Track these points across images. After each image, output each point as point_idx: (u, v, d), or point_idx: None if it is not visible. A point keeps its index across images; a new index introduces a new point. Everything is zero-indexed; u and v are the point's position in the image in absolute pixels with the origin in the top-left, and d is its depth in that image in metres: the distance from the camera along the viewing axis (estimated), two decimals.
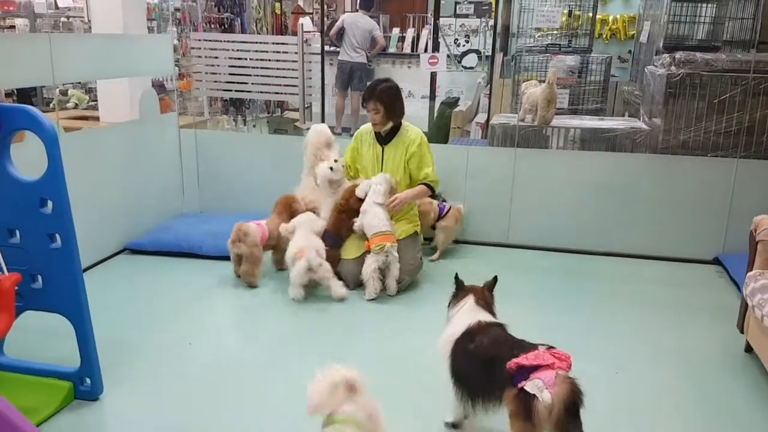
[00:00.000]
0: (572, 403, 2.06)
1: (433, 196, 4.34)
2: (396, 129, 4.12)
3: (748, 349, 3.21)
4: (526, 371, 2.13)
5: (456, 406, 2.51)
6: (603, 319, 3.65)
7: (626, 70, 8.49)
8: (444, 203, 4.57)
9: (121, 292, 3.89)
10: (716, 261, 4.52)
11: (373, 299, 3.79)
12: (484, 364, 2.32)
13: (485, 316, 2.48)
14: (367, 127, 4.23)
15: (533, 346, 2.23)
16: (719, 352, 3.28)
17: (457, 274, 2.65)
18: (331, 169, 4.06)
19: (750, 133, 4.40)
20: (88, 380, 2.69)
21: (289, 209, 4.19)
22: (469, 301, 2.54)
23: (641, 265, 4.53)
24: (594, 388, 2.90)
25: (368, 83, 8.04)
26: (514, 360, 2.17)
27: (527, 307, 3.74)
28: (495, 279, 2.65)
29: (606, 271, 4.41)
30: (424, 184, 4.11)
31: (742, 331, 3.24)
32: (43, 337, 3.06)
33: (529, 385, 2.10)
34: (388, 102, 4.00)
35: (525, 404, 2.09)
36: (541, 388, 2.07)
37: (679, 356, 3.23)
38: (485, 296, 2.59)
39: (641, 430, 2.63)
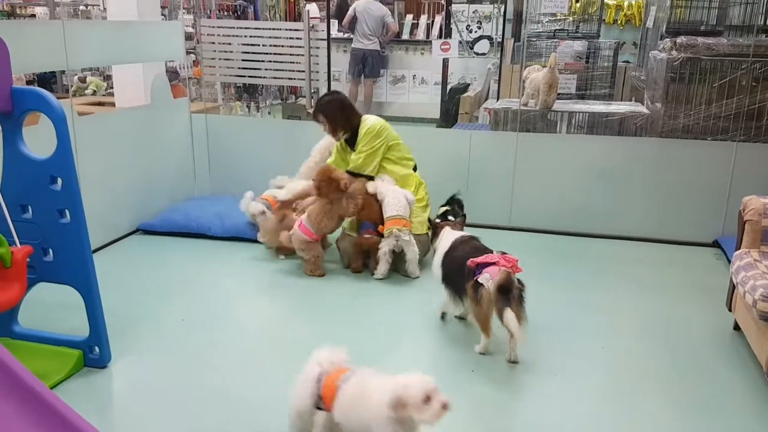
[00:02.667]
0: (504, 287, 2.80)
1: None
2: (357, 129, 4.20)
3: (736, 327, 3.29)
4: (481, 267, 2.89)
5: (445, 302, 3.30)
6: (598, 298, 3.74)
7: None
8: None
9: (131, 269, 4.05)
10: (716, 244, 4.58)
11: (380, 279, 3.93)
12: (459, 267, 3.07)
13: (462, 233, 3.39)
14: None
15: (490, 251, 3.05)
16: (708, 331, 3.35)
17: (429, 219, 3.89)
18: None
19: (750, 117, 4.44)
20: (96, 349, 2.85)
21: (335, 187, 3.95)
22: (447, 228, 3.46)
23: (640, 248, 4.60)
24: (580, 361, 3.03)
25: (380, 69, 8.12)
26: (471, 259, 2.95)
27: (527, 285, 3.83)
28: (464, 216, 3.78)
29: (605, 253, 4.49)
30: (348, 171, 4.16)
31: (730, 310, 3.32)
32: (54, 308, 3.22)
33: (481, 278, 2.86)
34: (330, 114, 4.14)
35: (477, 291, 2.89)
36: (488, 279, 2.83)
37: (668, 334, 3.32)
38: (457, 226, 3.53)
39: (624, 403, 2.72)
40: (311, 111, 6.18)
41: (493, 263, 2.89)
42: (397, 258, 3.95)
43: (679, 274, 4.14)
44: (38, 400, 1.99)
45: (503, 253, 2.98)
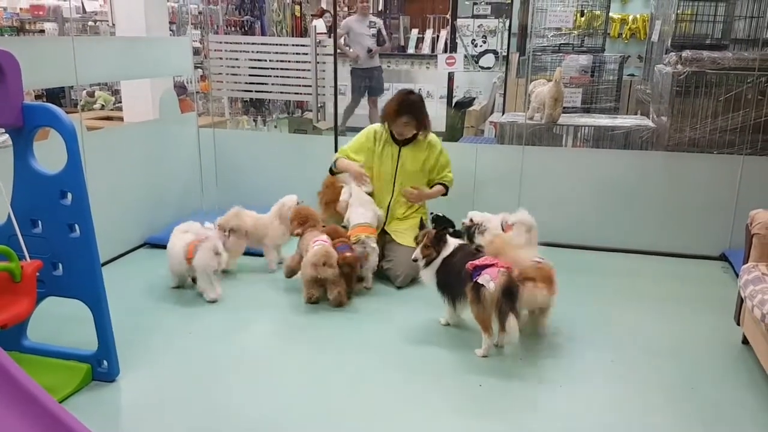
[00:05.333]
0: (507, 288, 2.95)
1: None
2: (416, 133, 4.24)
3: (745, 341, 3.27)
4: (480, 269, 3.01)
5: (448, 311, 3.38)
6: (604, 312, 3.73)
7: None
8: None
9: (139, 282, 4.06)
10: (723, 257, 4.57)
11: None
12: (457, 271, 3.18)
13: (459, 242, 3.48)
14: (378, 126, 4.35)
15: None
16: (716, 345, 3.34)
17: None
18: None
19: (756, 130, 4.44)
20: (105, 362, 2.86)
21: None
22: (447, 236, 3.46)
23: (647, 261, 4.59)
24: (588, 375, 3.02)
25: (387, 89, 7.88)
26: (471, 262, 3.08)
27: None
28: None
29: (611, 267, 4.48)
30: (441, 183, 4.29)
31: (738, 323, 3.30)
32: (63, 322, 3.23)
33: (481, 279, 2.98)
34: (417, 113, 4.13)
35: (478, 292, 3.00)
36: (488, 281, 2.95)
37: (675, 347, 3.31)
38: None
39: (632, 417, 2.71)
40: (317, 123, 6.25)
41: (492, 265, 3.03)
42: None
43: (686, 287, 4.13)
44: (47, 414, 2.00)
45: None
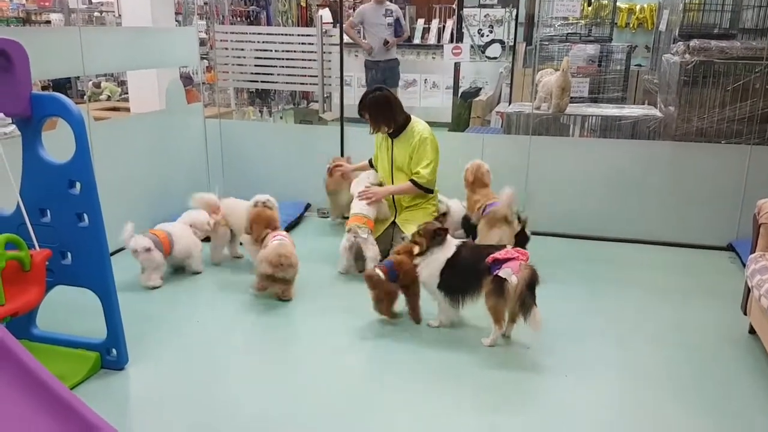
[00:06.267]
0: (530, 282, 2.97)
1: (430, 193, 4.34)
2: (403, 125, 4.23)
3: (752, 330, 3.27)
4: (500, 263, 3.01)
5: (444, 311, 3.31)
6: (611, 302, 3.73)
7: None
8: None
9: None
10: (730, 247, 4.56)
11: (342, 273, 4.09)
12: (470, 267, 3.15)
13: (460, 240, 3.36)
14: None
15: (502, 247, 3.14)
16: (724, 334, 3.34)
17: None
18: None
19: (764, 120, 4.43)
20: (114, 351, 2.88)
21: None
22: (447, 236, 3.32)
23: (654, 251, 4.58)
24: (595, 364, 3.02)
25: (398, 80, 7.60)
26: (491, 255, 3.06)
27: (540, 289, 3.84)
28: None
29: (618, 257, 4.48)
30: (412, 180, 4.20)
31: (745, 313, 3.30)
32: (72, 311, 3.25)
33: (502, 272, 2.98)
34: (374, 111, 4.17)
35: (498, 286, 2.99)
36: (510, 274, 2.96)
37: (683, 337, 3.31)
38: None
39: (640, 408, 2.72)
40: (323, 115, 6.24)
41: (513, 258, 3.02)
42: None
43: (694, 277, 4.13)
44: (59, 401, 2.02)
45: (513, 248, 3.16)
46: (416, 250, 3.31)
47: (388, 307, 3.37)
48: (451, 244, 3.30)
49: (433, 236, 3.28)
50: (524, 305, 2.98)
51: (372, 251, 4.00)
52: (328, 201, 4.98)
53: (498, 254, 3.07)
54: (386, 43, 7.62)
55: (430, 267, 3.26)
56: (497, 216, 3.98)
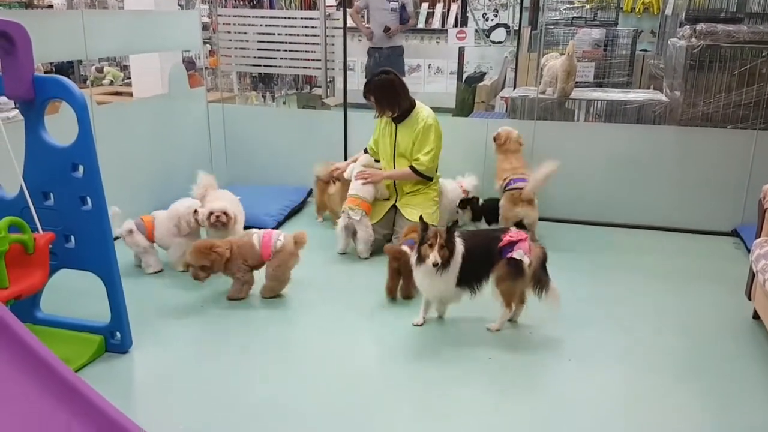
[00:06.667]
0: (543, 260, 3.06)
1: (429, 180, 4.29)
2: (408, 110, 4.20)
3: (756, 316, 3.27)
4: (509, 246, 3.02)
5: (428, 305, 3.23)
6: (615, 287, 3.73)
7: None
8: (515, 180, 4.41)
9: None
10: (734, 233, 4.54)
11: (340, 253, 4.16)
12: (481, 256, 3.07)
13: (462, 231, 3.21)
14: None
15: (505, 230, 3.14)
16: (727, 320, 3.33)
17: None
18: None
19: None
20: (118, 334, 2.89)
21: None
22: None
23: (659, 237, 4.57)
24: (598, 350, 3.02)
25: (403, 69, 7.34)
26: (505, 238, 3.04)
27: None
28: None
29: (622, 243, 4.47)
30: (411, 167, 4.18)
31: (750, 298, 3.29)
32: (76, 295, 3.26)
33: (515, 254, 2.99)
34: (379, 95, 4.11)
35: (513, 268, 3.01)
36: (522, 255, 2.99)
37: (687, 323, 3.30)
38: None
39: (644, 393, 2.72)
40: (326, 100, 6.21)
41: (522, 240, 3.05)
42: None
43: (698, 263, 4.12)
44: (65, 384, 2.02)
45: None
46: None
47: (408, 284, 3.41)
48: (459, 239, 3.07)
49: (451, 237, 2.99)
50: (540, 283, 3.05)
51: (364, 232, 4.03)
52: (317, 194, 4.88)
53: (510, 236, 3.06)
54: (387, 30, 7.39)
55: (450, 268, 3.01)
56: (523, 197, 4.13)
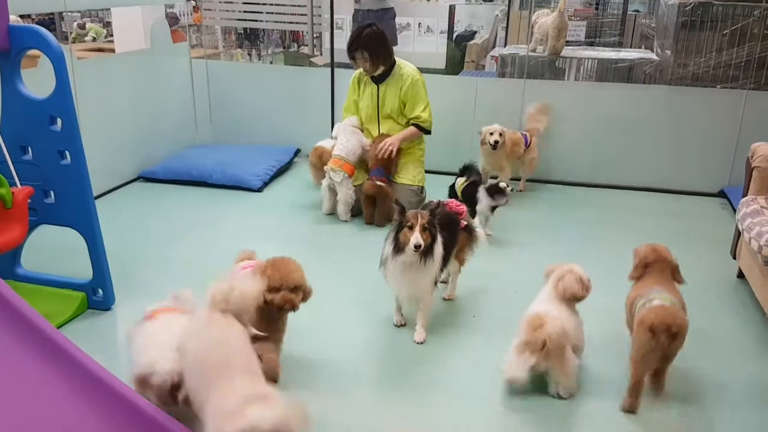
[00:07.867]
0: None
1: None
2: (390, 68, 4.09)
3: (740, 275, 3.28)
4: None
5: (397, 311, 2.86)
6: (601, 247, 3.72)
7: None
8: (525, 134, 4.52)
9: (134, 215, 4.05)
10: (721, 194, 4.55)
11: (326, 214, 4.12)
12: (449, 232, 2.82)
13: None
14: (360, 70, 4.17)
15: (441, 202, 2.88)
16: (712, 279, 3.35)
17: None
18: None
19: (761, 65, 4.35)
20: (100, 291, 2.86)
21: None
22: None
23: (646, 198, 4.57)
24: (582, 306, 3.02)
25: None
26: (460, 217, 2.97)
27: (535, 235, 3.86)
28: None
29: (610, 203, 4.46)
30: (415, 125, 4.10)
31: (734, 257, 3.30)
32: (57, 252, 3.22)
33: (465, 221, 3.00)
34: (373, 48, 3.95)
35: (469, 236, 3.05)
36: (470, 220, 3.15)
37: None
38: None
39: (624, 350, 2.73)
40: (313, 59, 6.10)
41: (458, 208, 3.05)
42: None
43: (684, 223, 4.12)
44: (45, 339, 1.99)
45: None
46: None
47: (381, 213, 3.90)
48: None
49: (434, 218, 2.64)
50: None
51: (344, 194, 3.98)
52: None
53: (458, 207, 3.04)
54: None
55: (435, 251, 2.66)
56: None
